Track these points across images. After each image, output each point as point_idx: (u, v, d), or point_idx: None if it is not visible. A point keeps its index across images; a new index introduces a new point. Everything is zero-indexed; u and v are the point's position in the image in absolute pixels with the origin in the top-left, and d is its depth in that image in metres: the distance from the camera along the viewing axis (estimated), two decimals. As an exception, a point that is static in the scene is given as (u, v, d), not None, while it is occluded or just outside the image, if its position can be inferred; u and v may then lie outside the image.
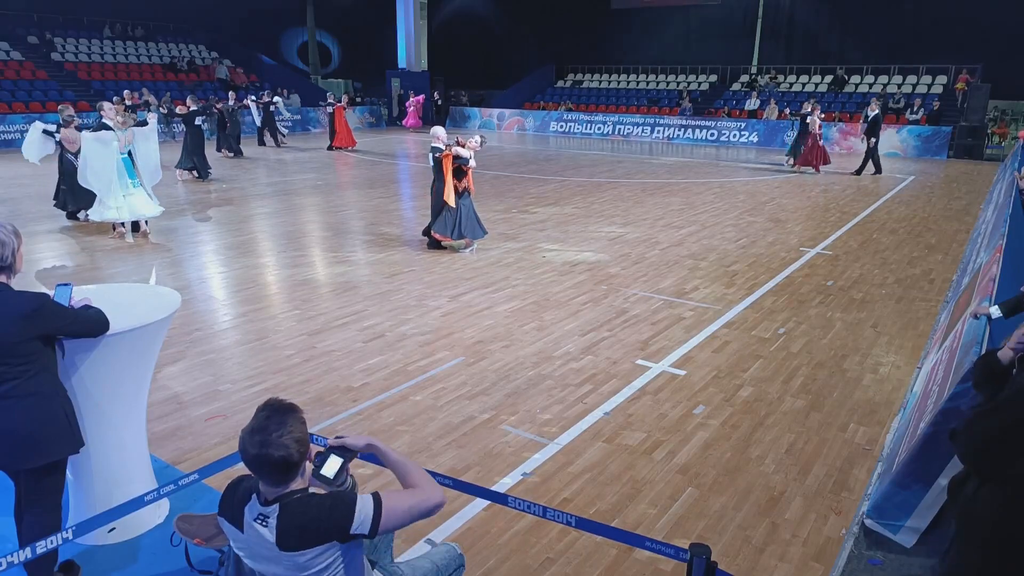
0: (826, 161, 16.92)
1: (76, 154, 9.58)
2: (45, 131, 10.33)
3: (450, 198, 8.39)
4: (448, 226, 8.62)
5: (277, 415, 1.95)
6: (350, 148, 20.82)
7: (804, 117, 17.05)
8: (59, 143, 10.20)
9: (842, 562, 3.21)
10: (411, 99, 27.86)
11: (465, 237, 8.73)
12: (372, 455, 2.24)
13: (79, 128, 10.09)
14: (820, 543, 3.40)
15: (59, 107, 10.79)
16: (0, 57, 23.11)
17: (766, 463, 4.10)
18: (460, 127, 29.44)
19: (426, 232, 9.03)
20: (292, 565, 1.96)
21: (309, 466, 2.12)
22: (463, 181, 8.54)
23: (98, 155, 8.88)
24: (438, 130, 8.61)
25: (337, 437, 2.21)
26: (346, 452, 2.19)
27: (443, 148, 8.35)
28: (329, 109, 21.04)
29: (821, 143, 16.98)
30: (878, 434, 4.46)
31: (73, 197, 10.11)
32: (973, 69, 22.32)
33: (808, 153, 16.74)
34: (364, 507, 1.96)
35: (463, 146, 8.46)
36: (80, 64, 25.15)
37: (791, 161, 17.49)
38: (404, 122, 27.93)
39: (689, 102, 25.58)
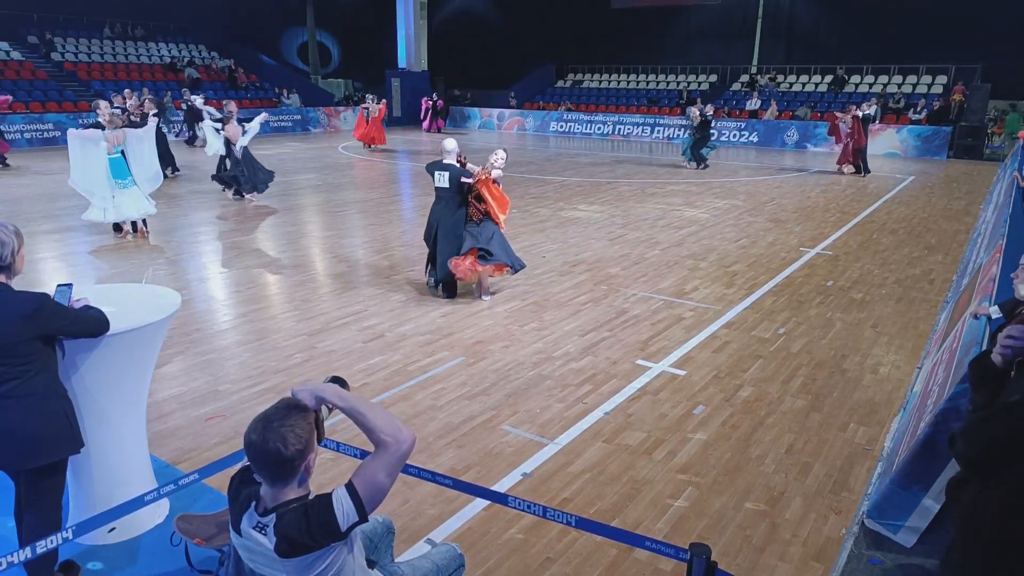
0: (850, 161, 16.69)
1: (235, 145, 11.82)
2: (215, 128, 12.01)
3: (500, 220, 6.77)
4: (505, 251, 6.79)
5: (286, 409, 1.95)
6: (367, 145, 21.40)
7: (708, 123, 16.91)
8: (226, 139, 11.86)
9: (842, 562, 3.21)
10: (431, 101, 27.51)
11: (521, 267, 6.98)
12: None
13: (239, 121, 12.07)
14: (820, 543, 3.40)
15: (223, 103, 13.17)
16: (0, 57, 23.12)
17: (766, 463, 4.10)
18: (460, 127, 29.43)
19: (445, 279, 6.94)
20: (295, 570, 1.95)
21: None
22: (482, 206, 6.71)
23: (85, 154, 8.85)
24: (451, 144, 6.72)
25: (293, 392, 2.10)
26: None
27: (467, 169, 6.63)
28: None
29: (849, 143, 16.69)
30: (878, 434, 4.46)
31: (252, 179, 11.97)
32: (972, 70, 22.31)
33: (848, 152, 16.60)
34: (342, 500, 1.94)
35: (464, 165, 6.70)
36: (80, 64, 25.15)
37: (693, 164, 17.32)
38: (425, 126, 27.61)
39: (701, 104, 25.29)
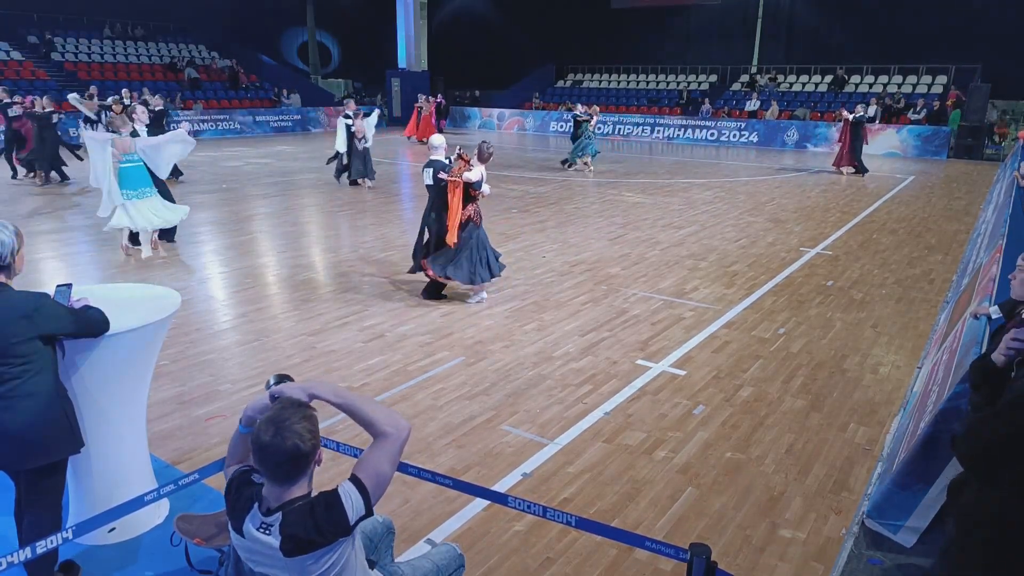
0: (845, 163, 16.71)
1: (362, 139, 13.52)
2: (347, 124, 13.62)
3: (453, 235, 6.50)
4: (464, 270, 6.61)
5: (292, 407, 1.96)
6: (421, 140, 22.50)
7: (577, 119, 16.45)
8: (352, 132, 13.54)
9: (842, 562, 3.21)
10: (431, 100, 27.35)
11: (483, 281, 6.75)
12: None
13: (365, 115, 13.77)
14: (820, 543, 3.40)
15: (344, 100, 15.25)
16: (0, 57, 23.12)
17: (766, 463, 4.10)
18: (460, 127, 29.42)
19: (418, 269, 7.06)
20: (299, 569, 1.95)
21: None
22: (468, 208, 6.57)
23: (96, 155, 8.34)
24: (437, 139, 6.76)
25: (276, 394, 2.09)
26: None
27: (448, 168, 6.51)
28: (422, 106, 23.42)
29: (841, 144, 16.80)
30: (878, 434, 4.46)
31: (363, 167, 13.74)
32: (972, 70, 22.29)
33: (844, 154, 16.60)
34: (349, 494, 1.96)
35: (467, 162, 6.50)
36: (80, 64, 25.16)
37: (570, 164, 16.61)
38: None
39: (708, 104, 25.31)
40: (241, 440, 2.22)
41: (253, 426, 2.18)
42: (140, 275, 7.80)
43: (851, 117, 16.32)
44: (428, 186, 6.68)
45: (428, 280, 6.94)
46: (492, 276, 6.83)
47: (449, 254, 6.64)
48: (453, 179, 6.39)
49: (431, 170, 6.57)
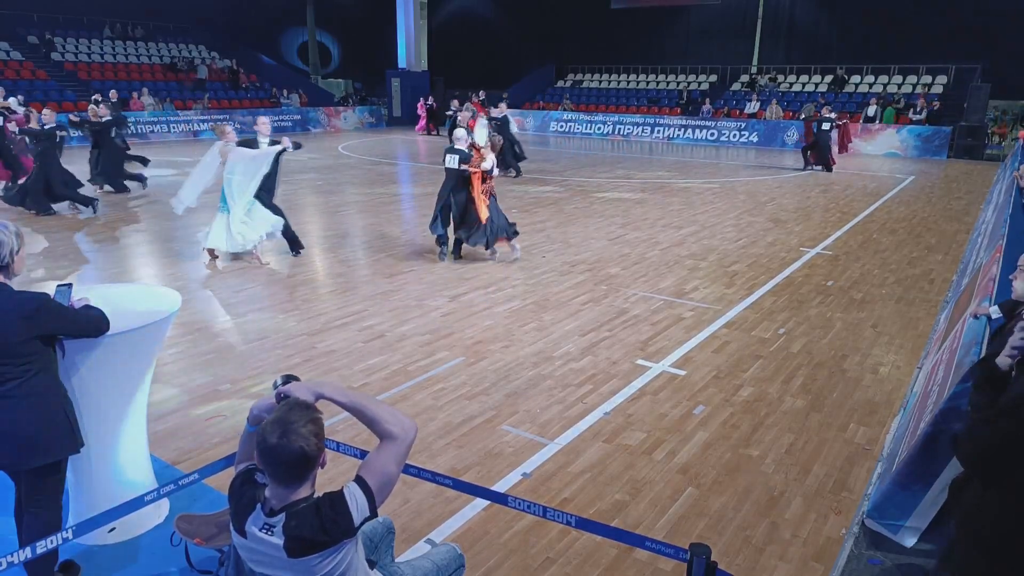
0: (824, 162, 17.21)
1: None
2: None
3: (483, 212, 8.11)
4: (482, 238, 8.23)
5: (299, 409, 1.95)
6: None
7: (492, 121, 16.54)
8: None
9: (842, 562, 3.21)
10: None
11: (500, 239, 8.30)
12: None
13: None
14: (820, 543, 3.40)
15: (471, 100, 16.58)
16: (0, 57, 23.12)
17: (766, 463, 4.10)
18: (458, 126, 29.39)
19: (458, 242, 8.55)
20: (303, 569, 1.95)
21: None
22: (485, 185, 8.21)
23: (206, 159, 8.15)
24: (460, 132, 8.22)
25: (284, 395, 2.07)
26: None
27: (469, 157, 8.03)
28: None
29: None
30: (878, 434, 4.46)
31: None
32: (972, 70, 22.28)
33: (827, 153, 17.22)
34: (354, 495, 1.95)
35: (479, 151, 8.16)
36: (80, 64, 25.15)
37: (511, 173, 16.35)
38: (420, 127, 27.38)
39: (709, 104, 25.34)
40: (249, 438, 2.22)
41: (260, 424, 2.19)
42: (140, 276, 7.80)
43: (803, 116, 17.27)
44: (448, 169, 8.15)
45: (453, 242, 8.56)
46: (507, 232, 8.33)
47: (474, 226, 8.21)
48: (474, 169, 8.01)
49: (457, 157, 8.01)
